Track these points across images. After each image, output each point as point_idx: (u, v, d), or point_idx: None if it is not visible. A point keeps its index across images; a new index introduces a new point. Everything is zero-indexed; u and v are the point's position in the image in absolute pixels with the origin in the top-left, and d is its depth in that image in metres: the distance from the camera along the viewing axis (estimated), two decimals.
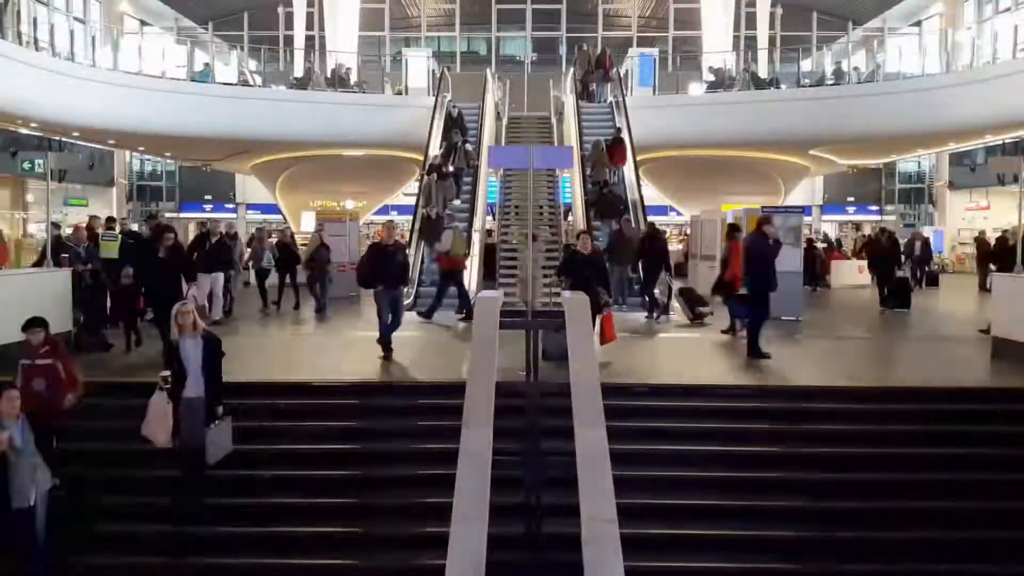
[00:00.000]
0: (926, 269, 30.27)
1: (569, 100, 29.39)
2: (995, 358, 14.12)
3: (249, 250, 23.97)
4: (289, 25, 42.48)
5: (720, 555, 9.37)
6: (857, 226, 48.99)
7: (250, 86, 33.60)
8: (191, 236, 25.57)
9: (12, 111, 24.87)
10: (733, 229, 17.58)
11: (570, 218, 26.39)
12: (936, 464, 10.56)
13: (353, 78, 34.45)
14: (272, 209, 42.51)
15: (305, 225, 35.46)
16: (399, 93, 33.51)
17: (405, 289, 16.45)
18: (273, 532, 9.68)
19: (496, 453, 7.42)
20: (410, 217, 24.54)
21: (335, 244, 23.09)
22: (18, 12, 26.61)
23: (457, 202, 24.24)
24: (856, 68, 34.35)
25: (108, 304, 15.51)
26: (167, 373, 9.40)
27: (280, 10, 43.76)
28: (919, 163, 47.98)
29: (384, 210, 43.06)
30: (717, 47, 37.14)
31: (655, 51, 36.12)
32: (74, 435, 9.92)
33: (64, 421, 9.48)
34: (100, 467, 10.39)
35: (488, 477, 7.06)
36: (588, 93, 30.19)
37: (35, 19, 27.99)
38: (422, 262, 21.80)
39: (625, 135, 25.46)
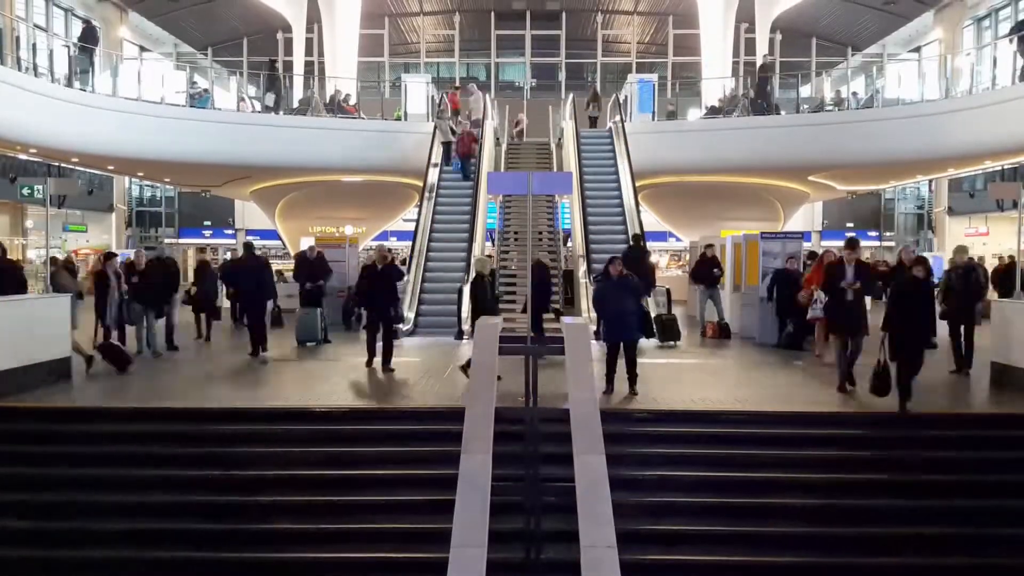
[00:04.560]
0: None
1: (568, 126, 29.43)
2: (995, 384, 14.04)
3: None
4: (288, 51, 42.65)
5: None
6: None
7: (249, 112, 33.63)
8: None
9: (11, 137, 24.85)
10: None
11: (569, 244, 26.40)
12: (935, 491, 10.50)
13: (352, 103, 34.50)
14: (271, 235, 42.50)
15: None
16: (398, 119, 33.54)
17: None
18: (273, 557, 9.61)
19: (495, 479, 7.38)
20: (409, 243, 24.58)
21: (333, 268, 23.18)
22: (17, 38, 26.65)
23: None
24: (855, 93, 34.40)
25: None
26: None
27: (279, 36, 43.93)
28: (918, 189, 48.07)
29: (383, 235, 43.08)
30: (716, 73, 37.25)
31: (654, 77, 36.16)
32: None
33: None
34: None
35: (487, 503, 7.03)
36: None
37: (34, 45, 28.02)
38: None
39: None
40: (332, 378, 14.97)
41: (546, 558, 8.52)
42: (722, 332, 20.77)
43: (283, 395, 13.54)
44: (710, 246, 22.16)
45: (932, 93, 30.48)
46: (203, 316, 20.87)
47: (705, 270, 21.68)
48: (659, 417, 11.89)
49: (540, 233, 25.84)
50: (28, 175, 32.09)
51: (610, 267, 13.78)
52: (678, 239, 41.89)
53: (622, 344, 13.37)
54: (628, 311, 13.40)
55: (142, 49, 42.54)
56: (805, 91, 40.56)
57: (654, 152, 29.07)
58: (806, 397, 13.18)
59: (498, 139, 31.05)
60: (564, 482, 7.92)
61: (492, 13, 46.07)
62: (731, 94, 35.03)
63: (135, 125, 27.83)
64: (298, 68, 40.08)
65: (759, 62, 35.44)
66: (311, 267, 22.47)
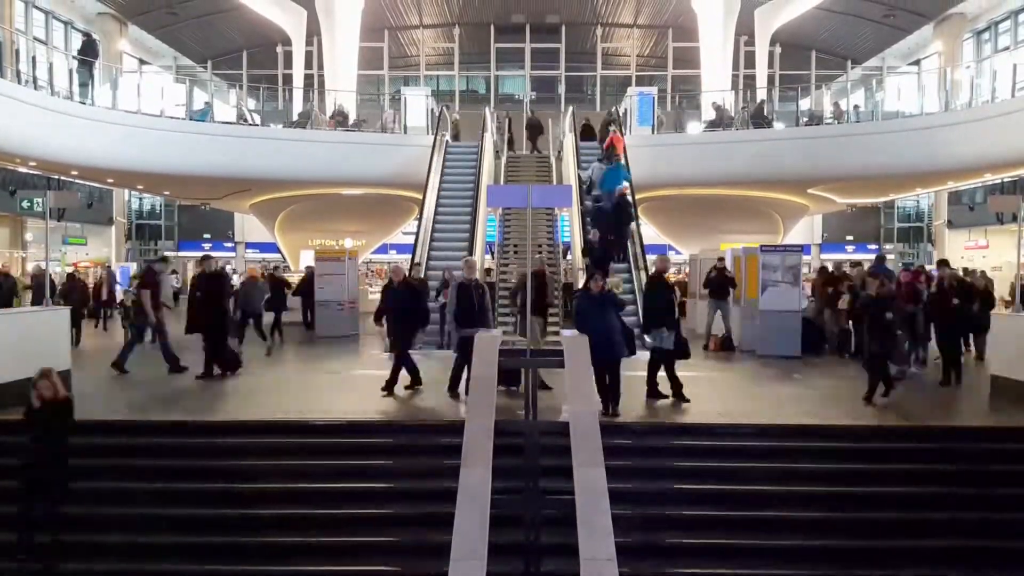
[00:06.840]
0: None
1: (568, 138, 29.39)
2: (993, 397, 14.02)
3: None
4: (288, 64, 42.75)
5: None
6: None
7: (249, 125, 33.64)
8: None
9: (10, 149, 24.86)
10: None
11: (569, 257, 26.36)
12: (936, 503, 10.46)
13: (352, 117, 34.51)
14: (271, 248, 42.57)
15: (304, 264, 35.56)
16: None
17: None
18: (276, 570, 9.57)
19: (495, 492, 7.35)
20: (409, 255, 24.55)
21: (332, 282, 23.16)
22: (16, 51, 26.67)
23: None
24: (856, 106, 34.43)
25: None
26: None
27: (279, 49, 44.04)
28: (918, 202, 48.15)
29: (383, 249, 43.15)
30: (716, 86, 37.31)
31: (654, 90, 36.19)
32: None
33: None
34: None
35: (487, 516, 6.99)
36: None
37: (33, 58, 28.06)
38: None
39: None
40: (334, 391, 14.95)
41: (546, 571, 8.48)
42: (724, 345, 20.70)
43: (283, 408, 13.50)
44: (722, 259, 22.14)
45: (932, 106, 30.52)
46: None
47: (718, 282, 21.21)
48: (658, 430, 11.86)
49: (540, 246, 25.80)
50: (28, 188, 32.15)
51: (591, 282, 13.07)
52: (678, 252, 41.85)
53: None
54: (613, 328, 12.52)
55: (142, 62, 42.67)
56: (805, 104, 40.62)
57: (654, 165, 29.06)
58: (806, 410, 13.13)
59: (497, 152, 31.01)
60: (564, 495, 7.88)
61: (492, 26, 46.25)
62: (719, 104, 35.01)
63: (134, 138, 27.84)
64: (298, 81, 40.18)
65: (758, 76, 35.52)
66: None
